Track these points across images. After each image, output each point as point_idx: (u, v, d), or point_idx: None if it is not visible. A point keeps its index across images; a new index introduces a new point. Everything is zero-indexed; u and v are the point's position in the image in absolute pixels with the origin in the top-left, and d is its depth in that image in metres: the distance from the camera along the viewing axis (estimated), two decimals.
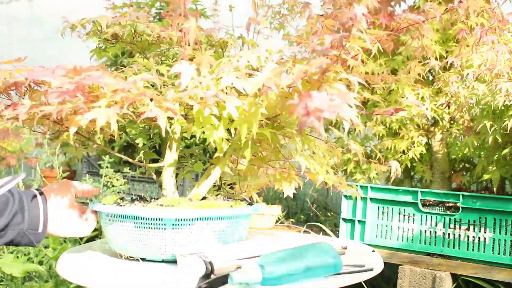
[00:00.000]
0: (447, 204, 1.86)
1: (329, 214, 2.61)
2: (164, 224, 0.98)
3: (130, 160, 1.21)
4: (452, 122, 2.10)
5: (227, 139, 1.05)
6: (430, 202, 1.89)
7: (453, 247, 1.80)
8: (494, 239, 1.73)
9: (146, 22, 1.17)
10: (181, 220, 0.99)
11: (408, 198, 1.89)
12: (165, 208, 1.01)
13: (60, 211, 1.04)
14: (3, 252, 2.33)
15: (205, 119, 0.93)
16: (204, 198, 1.17)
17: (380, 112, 1.05)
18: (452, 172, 2.14)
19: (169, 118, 0.94)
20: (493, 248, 1.73)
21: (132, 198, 1.18)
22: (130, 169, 2.86)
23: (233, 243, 1.07)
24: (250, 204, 1.15)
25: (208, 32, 1.19)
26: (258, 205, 1.14)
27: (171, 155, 1.14)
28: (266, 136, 1.01)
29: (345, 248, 1.14)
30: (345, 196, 2.03)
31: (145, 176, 3.00)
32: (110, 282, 0.87)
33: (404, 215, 1.90)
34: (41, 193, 1.04)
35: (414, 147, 2.10)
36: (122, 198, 1.15)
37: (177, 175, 1.19)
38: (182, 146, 1.18)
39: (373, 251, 1.13)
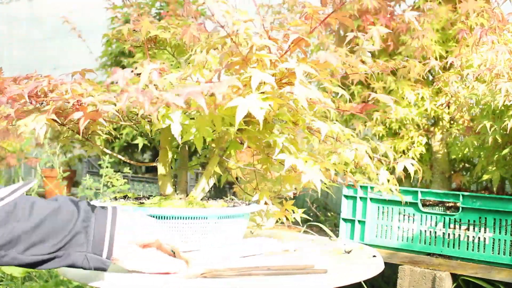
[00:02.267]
0: (447, 204, 1.86)
1: (329, 214, 2.61)
2: None
3: (123, 159, 1.21)
4: (452, 122, 2.10)
5: (212, 140, 1.06)
6: (430, 202, 1.89)
7: (453, 247, 1.80)
8: (494, 239, 1.73)
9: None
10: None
11: (408, 198, 1.89)
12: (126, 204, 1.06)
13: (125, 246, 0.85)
14: None
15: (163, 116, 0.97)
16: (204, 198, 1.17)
17: (347, 109, 1.04)
18: (452, 172, 2.14)
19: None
20: (493, 248, 1.73)
21: (115, 197, 1.19)
22: (130, 169, 2.86)
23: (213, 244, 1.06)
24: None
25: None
26: (240, 208, 1.10)
27: (163, 154, 1.15)
28: (251, 135, 1.02)
29: (349, 252, 1.14)
30: (345, 196, 2.03)
31: (145, 176, 3.00)
32: (111, 281, 0.87)
33: (404, 215, 1.90)
34: (114, 211, 0.87)
35: (414, 147, 2.10)
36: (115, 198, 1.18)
37: (176, 175, 1.20)
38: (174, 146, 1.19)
39: (375, 256, 1.12)
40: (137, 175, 3.03)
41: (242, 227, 1.13)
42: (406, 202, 1.89)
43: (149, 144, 3.01)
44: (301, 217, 1.23)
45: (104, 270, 0.84)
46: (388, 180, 1.19)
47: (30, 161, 3.46)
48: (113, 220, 0.84)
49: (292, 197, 1.22)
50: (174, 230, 1.01)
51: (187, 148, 1.22)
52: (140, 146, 2.90)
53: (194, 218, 1.03)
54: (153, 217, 0.99)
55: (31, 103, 0.93)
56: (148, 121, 1.06)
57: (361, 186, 1.96)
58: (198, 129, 0.99)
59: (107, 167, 2.53)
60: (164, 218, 1.02)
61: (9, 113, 0.91)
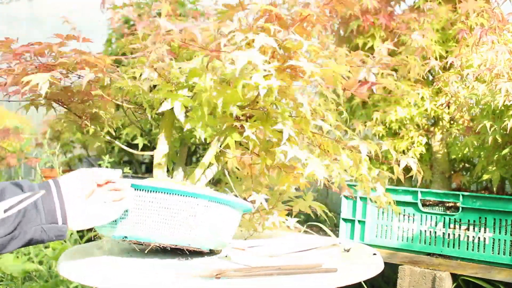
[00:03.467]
0: (447, 204, 1.86)
1: (329, 214, 2.61)
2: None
3: (121, 145, 1.20)
4: (452, 122, 2.10)
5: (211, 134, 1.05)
6: (430, 202, 1.89)
7: (453, 247, 1.80)
8: (494, 239, 1.73)
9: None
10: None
11: (408, 198, 1.89)
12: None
13: (77, 203, 0.90)
14: None
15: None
16: None
17: (349, 87, 1.04)
18: (452, 172, 2.14)
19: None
20: (493, 248, 1.73)
21: None
22: (130, 169, 2.86)
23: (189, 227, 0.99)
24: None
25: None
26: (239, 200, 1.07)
27: (161, 143, 1.13)
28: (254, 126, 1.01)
29: (348, 251, 1.14)
30: (345, 196, 2.03)
31: (145, 176, 3.00)
32: (112, 281, 0.87)
33: (404, 215, 1.90)
34: (56, 183, 0.91)
35: (414, 147, 2.10)
36: None
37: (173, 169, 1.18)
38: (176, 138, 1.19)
39: (375, 254, 1.13)
40: (137, 175, 3.03)
41: (233, 221, 1.08)
42: (404, 206, 1.88)
43: (149, 144, 3.01)
44: (301, 217, 1.23)
45: (63, 237, 0.88)
46: (384, 194, 1.20)
47: (30, 161, 3.46)
48: (57, 185, 0.89)
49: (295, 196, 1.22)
50: (161, 206, 0.96)
51: (187, 149, 1.21)
52: (140, 146, 2.90)
53: (183, 195, 0.97)
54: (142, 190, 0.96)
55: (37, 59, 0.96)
56: (149, 105, 1.07)
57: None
58: (201, 115, 0.99)
59: (107, 166, 2.53)
60: (152, 191, 0.97)
61: (13, 67, 0.93)
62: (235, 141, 1.06)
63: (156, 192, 0.97)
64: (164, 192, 0.97)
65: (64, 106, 1.08)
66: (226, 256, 1.07)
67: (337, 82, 1.04)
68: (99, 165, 2.78)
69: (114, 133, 1.21)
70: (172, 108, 1.01)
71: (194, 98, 1.03)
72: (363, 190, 1.16)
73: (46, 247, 2.32)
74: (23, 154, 3.58)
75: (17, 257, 2.19)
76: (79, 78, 1.05)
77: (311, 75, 0.94)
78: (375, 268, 1.01)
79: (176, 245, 1.01)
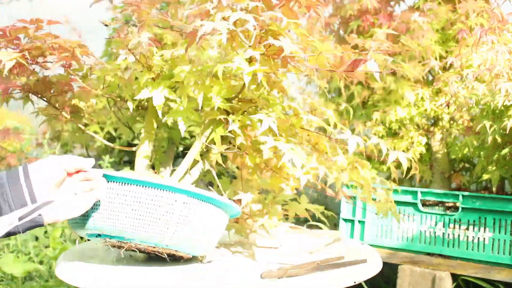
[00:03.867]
0: (447, 204, 1.86)
1: (329, 214, 2.61)
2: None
3: (100, 138, 1.16)
4: (451, 122, 2.10)
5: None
6: (430, 202, 1.89)
7: (453, 247, 1.80)
8: (493, 239, 1.73)
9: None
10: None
11: (408, 198, 1.89)
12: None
13: (47, 193, 0.85)
14: (4, 251, 2.33)
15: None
16: None
17: (336, 67, 0.98)
18: (452, 172, 2.14)
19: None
20: (492, 248, 1.73)
21: None
22: (130, 169, 2.86)
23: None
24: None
25: None
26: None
27: (144, 137, 1.08)
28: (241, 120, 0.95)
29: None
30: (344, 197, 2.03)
31: None
32: (102, 282, 0.86)
33: (404, 215, 1.90)
34: (25, 170, 0.85)
35: (413, 147, 2.10)
36: None
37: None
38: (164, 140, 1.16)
39: (363, 243, 1.13)
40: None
41: (218, 222, 0.97)
42: (404, 206, 1.89)
43: None
44: (301, 217, 1.22)
45: (41, 225, 0.83)
46: (386, 199, 1.16)
47: (30, 161, 3.45)
48: (26, 175, 0.84)
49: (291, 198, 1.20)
50: (136, 201, 0.87)
51: (175, 148, 1.18)
52: None
53: (159, 188, 0.88)
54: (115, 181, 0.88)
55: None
56: (131, 97, 1.03)
57: None
58: (184, 109, 0.96)
59: (107, 167, 2.53)
60: (126, 183, 0.88)
61: None
62: (222, 137, 0.98)
63: (129, 184, 0.88)
64: (139, 185, 0.88)
65: (43, 98, 1.03)
66: (210, 262, 1.01)
67: (324, 63, 0.97)
68: (100, 165, 2.78)
69: (114, 133, 1.20)
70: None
71: (175, 90, 1.00)
72: (365, 196, 1.12)
73: (46, 247, 2.32)
74: (23, 154, 3.58)
75: (17, 257, 2.19)
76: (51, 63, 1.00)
77: (294, 56, 0.87)
78: (374, 267, 1.01)
79: (154, 247, 0.92)
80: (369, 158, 2.12)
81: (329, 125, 1.09)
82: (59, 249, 2.12)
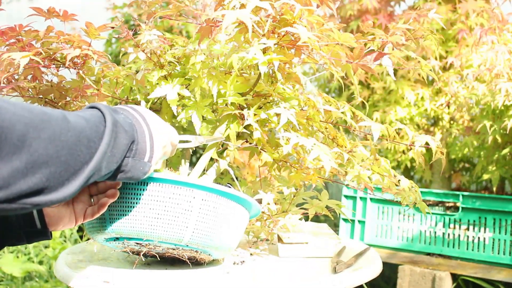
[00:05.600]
0: (447, 204, 1.86)
1: (329, 214, 2.61)
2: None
3: None
4: (452, 122, 2.10)
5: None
6: (430, 202, 1.89)
7: (453, 247, 1.80)
8: (493, 239, 1.73)
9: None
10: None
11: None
12: None
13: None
14: (3, 252, 2.33)
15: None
16: None
17: (354, 58, 0.95)
18: (452, 172, 2.15)
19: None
20: (492, 248, 1.73)
21: None
22: None
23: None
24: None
25: None
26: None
27: None
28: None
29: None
30: (345, 196, 2.03)
31: None
32: (95, 281, 0.86)
33: (404, 215, 1.90)
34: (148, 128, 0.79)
35: (414, 147, 2.10)
36: None
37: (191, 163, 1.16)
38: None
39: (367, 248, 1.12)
40: None
41: (239, 220, 0.94)
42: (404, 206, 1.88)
43: None
44: (300, 217, 1.20)
45: (145, 175, 0.77)
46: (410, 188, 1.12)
47: None
48: (149, 130, 0.77)
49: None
50: (153, 199, 0.85)
51: (191, 152, 1.17)
52: None
53: (176, 185, 0.85)
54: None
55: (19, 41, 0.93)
56: (145, 99, 1.02)
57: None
58: (198, 106, 0.96)
59: None
60: (141, 184, 0.85)
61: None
62: (237, 135, 0.95)
63: (146, 183, 0.85)
64: (155, 183, 0.85)
65: (58, 104, 1.03)
66: (239, 263, 1.00)
67: (339, 53, 0.94)
68: None
69: None
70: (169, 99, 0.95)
71: (187, 87, 0.99)
72: (389, 186, 1.09)
73: (46, 247, 2.32)
74: None
75: (17, 257, 2.19)
76: (63, 68, 0.99)
77: (309, 44, 0.84)
78: (374, 269, 1.01)
79: (173, 248, 0.89)
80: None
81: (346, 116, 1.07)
82: (59, 249, 2.12)
